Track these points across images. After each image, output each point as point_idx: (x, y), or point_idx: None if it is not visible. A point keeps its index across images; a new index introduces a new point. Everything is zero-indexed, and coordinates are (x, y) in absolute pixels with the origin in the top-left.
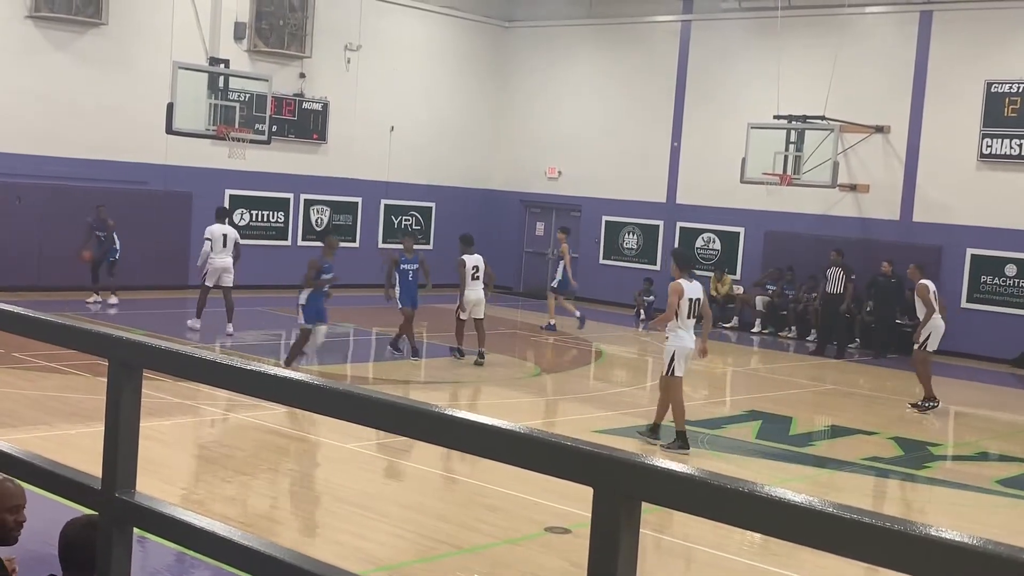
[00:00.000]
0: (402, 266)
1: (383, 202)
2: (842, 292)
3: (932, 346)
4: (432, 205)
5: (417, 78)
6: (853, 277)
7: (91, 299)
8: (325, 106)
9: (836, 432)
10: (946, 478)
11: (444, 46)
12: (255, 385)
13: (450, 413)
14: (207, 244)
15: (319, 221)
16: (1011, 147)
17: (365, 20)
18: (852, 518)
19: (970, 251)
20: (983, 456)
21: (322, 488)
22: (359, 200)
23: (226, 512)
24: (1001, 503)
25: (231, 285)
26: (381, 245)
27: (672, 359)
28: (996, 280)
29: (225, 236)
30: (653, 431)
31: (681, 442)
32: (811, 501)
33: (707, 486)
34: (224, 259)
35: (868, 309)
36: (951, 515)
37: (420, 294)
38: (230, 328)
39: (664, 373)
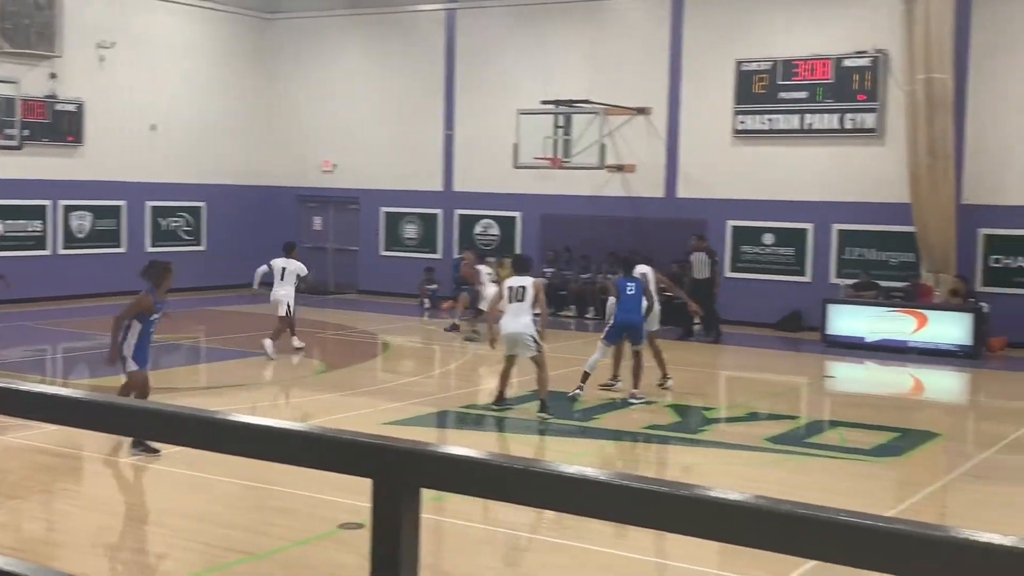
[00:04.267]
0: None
1: (148, 204)
2: (709, 276)
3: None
4: (202, 205)
5: (177, 74)
6: (718, 259)
7: None
8: (80, 106)
9: (617, 404)
10: (721, 440)
11: (204, 40)
12: (12, 404)
13: (220, 417)
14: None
15: (80, 228)
16: (761, 123)
17: (117, 16)
18: (624, 484)
19: (730, 223)
20: (753, 416)
21: (101, 506)
22: (123, 204)
23: None
24: (771, 459)
25: (282, 314)
26: (149, 249)
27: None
28: (755, 249)
29: (284, 269)
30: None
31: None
32: (584, 472)
33: (485, 467)
34: (277, 291)
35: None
36: (727, 475)
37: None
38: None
39: None
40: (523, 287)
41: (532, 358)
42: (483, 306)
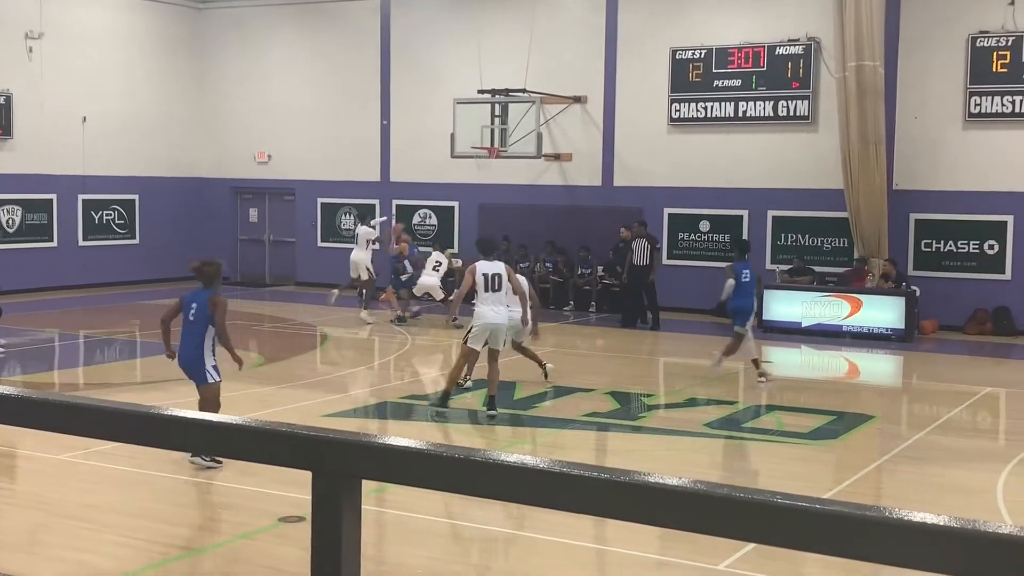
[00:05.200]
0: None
1: (81, 197)
2: (649, 263)
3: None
4: (135, 197)
5: (109, 66)
6: (659, 246)
7: None
8: (8, 99)
9: (557, 392)
10: (660, 426)
11: (135, 31)
12: None
13: (158, 412)
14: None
15: (10, 222)
16: (697, 110)
17: (46, 6)
18: (564, 472)
19: (667, 210)
20: (692, 402)
21: (36, 504)
22: (53, 197)
23: None
24: (710, 444)
25: (362, 277)
26: (81, 243)
27: (470, 329)
28: (692, 236)
29: (357, 235)
30: (443, 399)
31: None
32: (524, 461)
33: (425, 457)
34: (354, 253)
35: (600, 273)
36: (666, 460)
37: None
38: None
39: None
40: (499, 275)
41: (492, 351)
42: (418, 292)
